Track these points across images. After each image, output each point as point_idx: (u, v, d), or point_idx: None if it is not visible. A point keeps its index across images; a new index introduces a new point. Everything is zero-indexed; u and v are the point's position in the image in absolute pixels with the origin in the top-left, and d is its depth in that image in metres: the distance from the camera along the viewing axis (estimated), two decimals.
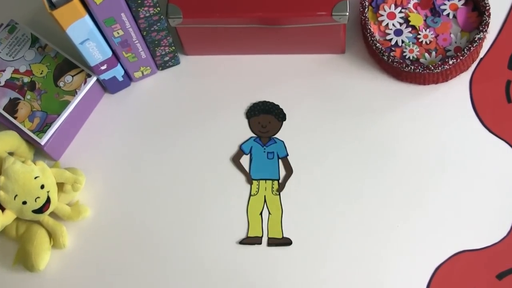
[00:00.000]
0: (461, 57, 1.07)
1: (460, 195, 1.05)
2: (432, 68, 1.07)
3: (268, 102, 1.14)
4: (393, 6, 1.14)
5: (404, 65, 1.07)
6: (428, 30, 1.12)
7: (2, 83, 1.11)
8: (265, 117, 1.13)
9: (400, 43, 1.12)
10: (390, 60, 1.08)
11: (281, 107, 1.13)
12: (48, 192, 1.04)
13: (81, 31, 1.00)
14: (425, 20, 1.13)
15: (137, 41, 1.08)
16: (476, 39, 1.07)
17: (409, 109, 1.11)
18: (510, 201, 1.04)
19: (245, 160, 1.11)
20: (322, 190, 1.08)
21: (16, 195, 1.02)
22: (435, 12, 1.13)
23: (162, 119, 1.15)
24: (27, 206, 1.03)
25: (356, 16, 1.16)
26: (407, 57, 1.11)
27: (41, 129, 1.08)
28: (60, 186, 1.07)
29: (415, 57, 1.11)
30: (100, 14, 1.00)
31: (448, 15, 1.13)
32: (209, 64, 1.17)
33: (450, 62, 1.06)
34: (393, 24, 1.13)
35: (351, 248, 1.04)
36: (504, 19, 1.15)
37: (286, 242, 1.06)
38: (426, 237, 1.04)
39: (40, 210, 1.04)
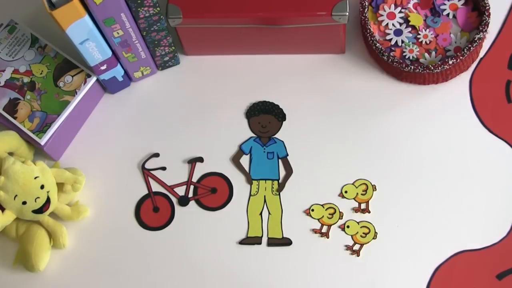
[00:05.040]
0: (461, 57, 1.07)
1: (460, 195, 1.05)
2: (432, 68, 1.07)
3: (268, 102, 1.14)
4: (393, 6, 1.14)
5: (404, 65, 1.07)
6: (428, 30, 1.12)
7: (2, 83, 1.11)
8: (265, 117, 1.13)
9: (400, 43, 1.12)
10: (390, 60, 1.08)
11: (281, 107, 1.13)
12: (48, 192, 1.04)
13: (81, 31, 1.00)
14: (425, 20, 1.13)
15: (137, 41, 1.08)
16: (476, 39, 1.07)
17: (409, 109, 1.11)
18: (510, 201, 1.04)
19: (245, 160, 1.11)
20: (322, 190, 1.08)
21: (16, 195, 1.02)
22: (435, 12, 1.13)
23: (162, 119, 1.15)
24: (27, 206, 1.03)
25: (356, 16, 1.16)
26: (407, 57, 1.11)
27: (41, 129, 1.08)
28: (60, 186, 1.07)
29: (415, 57, 1.11)
30: (100, 14, 1.00)
31: (448, 15, 1.13)
32: (209, 64, 1.17)
33: (450, 62, 1.06)
34: (393, 24, 1.13)
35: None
36: (504, 19, 1.15)
37: (286, 242, 1.06)
38: (426, 237, 1.04)
39: (40, 210, 1.04)
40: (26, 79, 1.11)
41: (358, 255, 1.04)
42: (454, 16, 1.12)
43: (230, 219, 1.08)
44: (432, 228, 1.04)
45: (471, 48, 1.07)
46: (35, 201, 1.03)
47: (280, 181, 1.09)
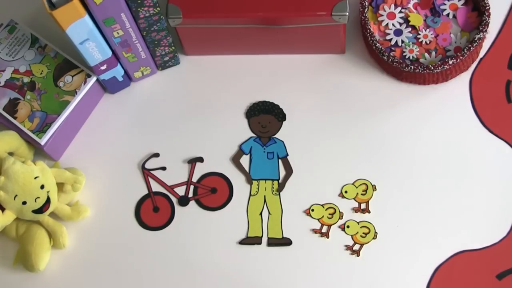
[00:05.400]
0: (461, 57, 1.07)
1: (460, 195, 1.05)
2: (432, 68, 1.07)
3: (268, 102, 1.14)
4: (393, 6, 1.14)
5: (404, 65, 1.07)
6: (428, 30, 1.12)
7: (2, 83, 1.11)
8: (265, 117, 1.13)
9: (400, 43, 1.12)
10: (390, 60, 1.08)
11: (281, 107, 1.13)
12: (48, 192, 1.04)
13: (81, 31, 1.00)
14: (425, 20, 1.13)
15: (137, 41, 1.08)
16: (476, 39, 1.07)
17: (409, 109, 1.11)
18: (510, 201, 1.04)
19: (245, 160, 1.11)
20: (322, 190, 1.08)
21: (16, 195, 1.02)
22: (435, 12, 1.13)
23: (162, 119, 1.15)
24: (27, 206, 1.03)
25: (356, 16, 1.16)
26: (407, 57, 1.11)
27: (41, 129, 1.08)
28: (60, 186, 1.07)
29: (415, 57, 1.11)
30: (100, 14, 1.00)
31: (448, 15, 1.13)
32: (209, 64, 1.17)
33: (450, 62, 1.06)
34: (393, 24, 1.13)
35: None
36: (504, 19, 1.15)
37: (286, 242, 1.06)
38: (426, 237, 1.04)
39: (40, 210, 1.04)
40: (26, 79, 1.11)
41: (358, 255, 1.04)
42: (454, 16, 1.12)
43: (230, 219, 1.08)
44: (432, 228, 1.04)
45: (471, 48, 1.07)
46: (35, 201, 1.03)
47: (280, 181, 1.09)
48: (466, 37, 1.11)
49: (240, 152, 1.11)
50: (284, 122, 1.12)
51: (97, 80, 1.13)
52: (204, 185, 1.10)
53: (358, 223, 1.05)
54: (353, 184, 1.07)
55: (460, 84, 1.12)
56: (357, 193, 1.07)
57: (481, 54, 1.13)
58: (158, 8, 1.04)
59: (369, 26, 1.10)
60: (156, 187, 1.11)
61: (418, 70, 1.07)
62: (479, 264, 1.02)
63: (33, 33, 1.14)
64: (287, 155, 1.11)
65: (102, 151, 1.14)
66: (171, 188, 1.10)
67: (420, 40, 1.11)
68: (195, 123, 1.14)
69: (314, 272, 1.04)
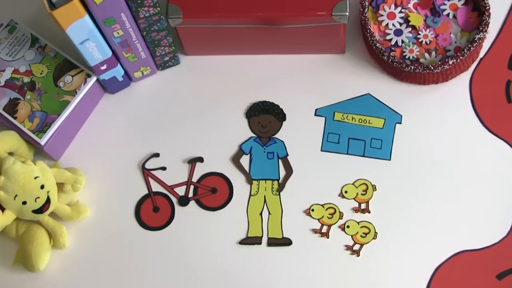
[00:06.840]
0: (461, 57, 1.07)
1: (460, 195, 1.05)
2: (432, 68, 1.07)
3: (268, 102, 1.14)
4: (393, 6, 1.14)
5: (404, 65, 1.07)
6: (428, 30, 1.12)
7: (2, 83, 1.11)
8: (265, 117, 1.13)
9: (400, 43, 1.12)
10: (390, 60, 1.08)
11: (281, 107, 1.13)
12: (48, 192, 1.04)
13: (81, 31, 1.00)
14: (425, 20, 1.13)
15: (137, 41, 1.08)
16: (476, 39, 1.07)
17: (409, 109, 1.11)
18: (510, 201, 1.04)
19: (245, 160, 1.11)
20: (322, 190, 1.08)
21: (16, 195, 1.02)
22: (435, 12, 1.13)
23: (162, 119, 1.15)
24: (27, 206, 1.03)
25: (356, 16, 1.16)
26: (407, 57, 1.11)
27: (41, 129, 1.08)
28: (60, 186, 1.07)
29: (415, 57, 1.11)
30: (100, 14, 1.00)
31: (448, 15, 1.13)
32: (209, 64, 1.17)
33: (450, 62, 1.06)
34: (393, 24, 1.13)
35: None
36: (504, 19, 1.15)
37: (286, 242, 1.06)
38: (426, 237, 1.04)
39: (40, 210, 1.04)
40: (26, 79, 1.11)
41: (358, 255, 1.04)
42: (454, 16, 1.12)
43: (230, 219, 1.08)
44: (432, 228, 1.04)
45: (471, 48, 1.07)
46: (35, 201, 1.03)
47: (280, 181, 1.09)
48: (466, 37, 1.11)
49: (240, 152, 1.11)
50: (284, 122, 1.12)
51: (97, 80, 1.13)
52: (204, 185, 1.10)
53: (358, 223, 1.05)
54: (353, 184, 1.07)
55: (460, 84, 1.12)
56: (357, 193, 1.07)
57: (481, 54, 1.13)
58: (158, 8, 1.04)
59: (369, 26, 1.10)
60: (156, 187, 1.11)
61: (418, 70, 1.07)
62: (479, 264, 1.02)
63: (33, 33, 1.14)
64: (287, 155, 1.11)
65: (102, 151, 1.14)
66: (171, 188, 1.10)
67: (420, 40, 1.11)
68: (195, 123, 1.14)
69: (314, 272, 1.04)
